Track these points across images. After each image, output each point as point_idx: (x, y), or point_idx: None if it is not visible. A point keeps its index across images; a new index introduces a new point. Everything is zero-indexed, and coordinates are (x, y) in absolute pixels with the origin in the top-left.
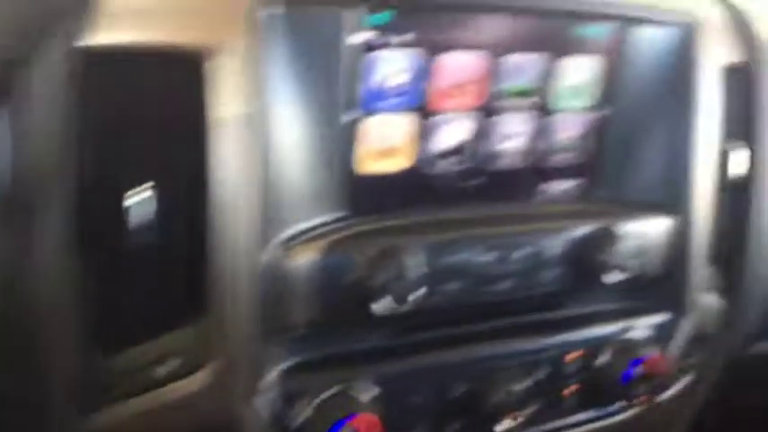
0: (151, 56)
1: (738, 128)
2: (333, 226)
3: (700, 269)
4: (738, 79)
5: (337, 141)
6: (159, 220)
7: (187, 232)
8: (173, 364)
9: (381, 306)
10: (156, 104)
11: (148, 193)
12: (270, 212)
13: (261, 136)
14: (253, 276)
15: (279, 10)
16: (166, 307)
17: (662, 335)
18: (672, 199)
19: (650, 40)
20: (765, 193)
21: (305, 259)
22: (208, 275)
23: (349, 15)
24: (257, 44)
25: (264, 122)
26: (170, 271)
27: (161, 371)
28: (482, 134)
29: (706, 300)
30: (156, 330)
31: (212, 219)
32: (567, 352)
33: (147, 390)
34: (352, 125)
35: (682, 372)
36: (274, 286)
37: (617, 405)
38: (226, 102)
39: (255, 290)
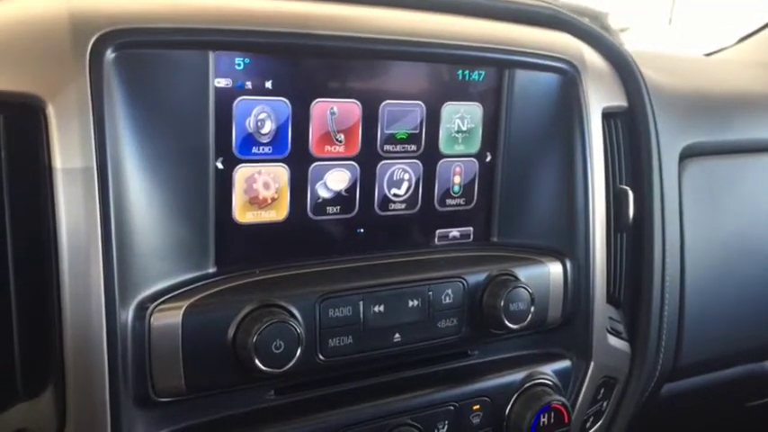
0: None
1: (626, 171)
2: (202, 282)
3: (601, 313)
4: (623, 122)
5: (205, 190)
6: None
7: (27, 295)
8: None
9: (261, 367)
10: None
11: None
12: (127, 270)
13: (112, 187)
14: (110, 340)
15: (122, 51)
16: (8, 377)
17: (568, 381)
18: (566, 243)
19: (533, 85)
20: (659, 236)
21: (170, 320)
22: (55, 341)
23: (210, 58)
24: (100, 89)
25: (117, 172)
26: (8, 336)
27: None
28: (365, 181)
29: (611, 344)
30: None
31: (58, 279)
32: (472, 403)
33: None
34: (222, 173)
35: (592, 417)
36: (136, 350)
37: None
38: (70, 152)
39: (114, 355)
